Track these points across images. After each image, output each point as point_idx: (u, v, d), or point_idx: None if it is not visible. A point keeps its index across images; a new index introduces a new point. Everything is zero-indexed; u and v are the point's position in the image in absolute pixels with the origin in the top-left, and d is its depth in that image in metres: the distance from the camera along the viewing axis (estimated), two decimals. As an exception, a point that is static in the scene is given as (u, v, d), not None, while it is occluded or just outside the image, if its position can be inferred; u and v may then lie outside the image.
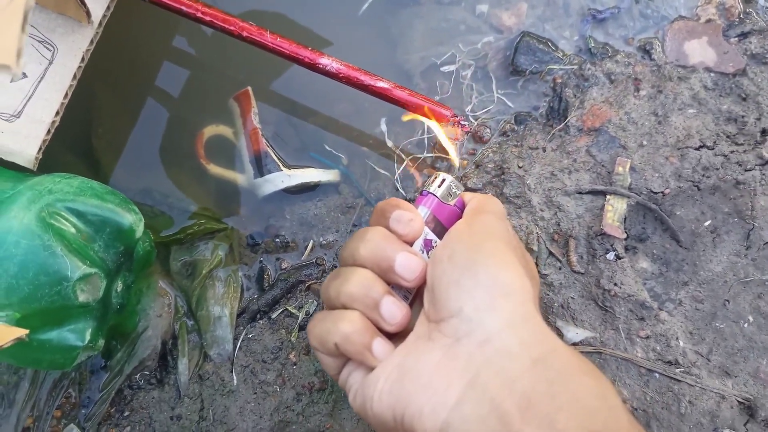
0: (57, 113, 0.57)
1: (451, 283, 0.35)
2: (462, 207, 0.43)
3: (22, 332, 0.47)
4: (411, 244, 0.40)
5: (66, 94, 0.57)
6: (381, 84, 0.57)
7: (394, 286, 0.39)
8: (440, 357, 0.33)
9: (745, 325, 0.56)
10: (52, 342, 0.51)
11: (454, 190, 0.42)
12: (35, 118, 0.56)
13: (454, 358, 0.33)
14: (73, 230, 0.51)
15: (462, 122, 0.57)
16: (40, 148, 0.56)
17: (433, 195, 0.42)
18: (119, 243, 0.54)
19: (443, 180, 0.42)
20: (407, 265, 0.37)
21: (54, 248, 0.49)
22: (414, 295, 0.41)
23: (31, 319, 0.49)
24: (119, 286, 0.56)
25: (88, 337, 0.52)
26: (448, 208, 0.42)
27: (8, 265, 0.48)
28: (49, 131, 0.56)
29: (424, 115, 0.57)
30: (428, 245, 0.41)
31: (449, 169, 0.65)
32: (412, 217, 0.39)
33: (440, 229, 0.41)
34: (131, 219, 0.54)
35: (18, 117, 0.56)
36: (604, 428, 0.29)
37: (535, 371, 0.30)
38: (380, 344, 0.37)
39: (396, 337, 0.38)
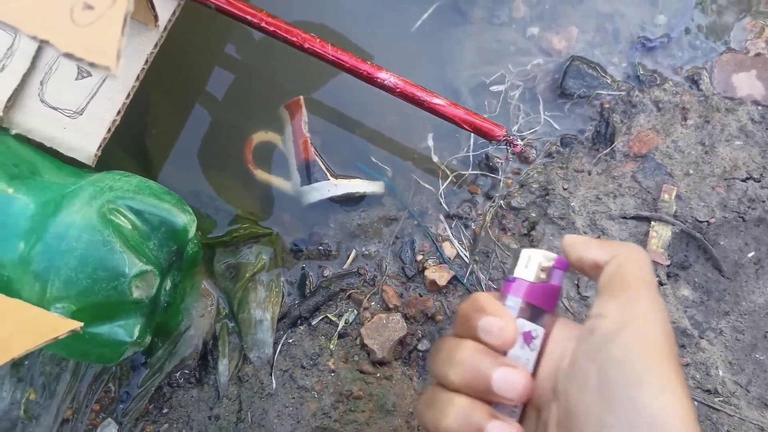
0: (119, 112, 0.58)
1: (598, 424, 0.29)
2: (561, 272, 0.36)
3: (76, 325, 0.48)
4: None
5: (128, 95, 0.59)
6: (437, 101, 0.58)
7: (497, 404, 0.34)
8: None
9: (787, 358, 0.56)
10: (103, 336, 0.52)
11: (545, 265, 0.35)
12: (97, 116, 0.58)
13: None
14: (130, 227, 0.52)
15: (515, 142, 0.58)
16: (100, 146, 0.57)
17: (522, 280, 0.35)
18: (172, 242, 0.55)
19: (529, 258, 0.35)
20: (507, 382, 0.32)
21: (113, 244, 0.50)
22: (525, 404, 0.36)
23: (85, 312, 0.50)
24: (168, 284, 0.57)
25: (136, 333, 0.53)
26: (542, 286, 0.35)
27: (69, 258, 0.49)
28: (109, 129, 0.58)
29: (478, 133, 0.58)
30: (528, 338, 0.35)
31: (489, 188, 0.66)
32: (503, 326, 0.33)
33: (538, 314, 0.35)
34: (186, 219, 0.55)
35: (81, 114, 0.58)
36: None
37: None
38: None
39: None
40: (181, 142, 0.69)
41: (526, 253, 0.35)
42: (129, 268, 0.50)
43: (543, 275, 0.35)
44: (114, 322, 0.52)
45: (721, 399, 0.55)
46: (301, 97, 0.67)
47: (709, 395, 0.55)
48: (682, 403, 0.27)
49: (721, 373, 0.56)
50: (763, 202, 0.59)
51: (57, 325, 0.47)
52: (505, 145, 0.58)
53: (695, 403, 0.55)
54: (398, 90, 0.58)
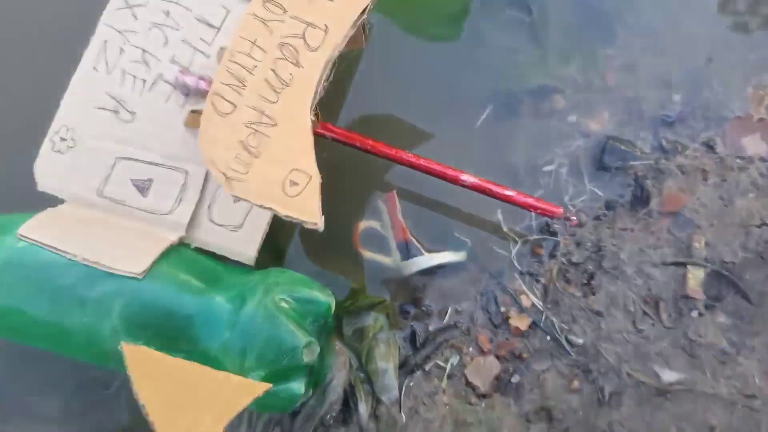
0: (268, 223, 0.79)
1: None
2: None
3: (267, 386, 0.68)
4: None
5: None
6: (507, 192, 0.76)
7: None
8: None
9: (811, 366, 0.71)
10: (282, 392, 0.71)
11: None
12: (254, 226, 0.78)
13: None
14: (293, 310, 0.71)
15: (571, 217, 0.75)
16: (258, 249, 0.78)
17: None
18: (321, 318, 0.74)
19: None
20: None
21: (286, 324, 0.69)
22: None
23: (272, 376, 0.69)
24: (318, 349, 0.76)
25: (304, 388, 0.72)
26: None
27: (258, 338, 0.68)
28: (263, 237, 0.78)
29: (542, 214, 0.76)
30: None
31: (551, 248, 0.82)
32: None
33: None
34: (328, 300, 0.74)
35: (240, 228, 0.78)
36: None
37: None
38: None
39: None
40: (303, 234, 0.89)
41: None
42: (299, 341, 0.69)
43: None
44: (290, 380, 0.71)
45: (760, 402, 0.70)
46: (395, 191, 0.87)
47: (749, 399, 0.70)
48: None
49: (758, 381, 0.71)
50: (776, 241, 0.74)
51: (255, 387, 0.66)
52: (564, 220, 0.75)
53: (738, 406, 0.70)
54: (478, 187, 0.76)
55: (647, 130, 0.85)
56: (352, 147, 0.79)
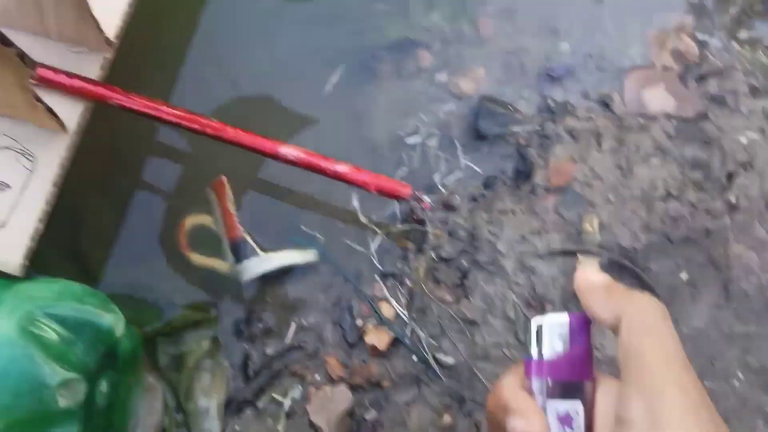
0: (40, 221, 0.59)
1: None
2: (584, 332, 0.31)
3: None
4: None
5: (47, 201, 0.60)
6: (339, 168, 0.58)
7: None
8: None
9: (735, 382, 0.55)
10: (37, 455, 0.52)
11: (560, 331, 0.31)
12: (20, 227, 0.59)
13: None
14: (53, 335, 0.53)
15: (422, 198, 0.58)
16: (26, 255, 0.58)
17: (540, 359, 0.31)
18: (100, 344, 0.56)
19: (538, 329, 0.31)
20: None
21: (34, 356, 0.50)
22: None
23: (15, 427, 0.50)
24: (104, 386, 0.57)
25: (76, 445, 0.53)
26: (565, 357, 0.30)
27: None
28: (33, 239, 0.59)
29: (385, 195, 0.59)
30: (566, 420, 0.30)
31: (421, 241, 0.66)
32: (528, 428, 0.29)
33: (573, 388, 0.30)
34: (110, 319, 0.56)
35: (3, 227, 0.59)
36: None
37: None
38: None
39: None
40: (117, 236, 0.70)
41: (535, 324, 0.31)
42: (51, 378, 0.50)
43: (563, 344, 0.30)
44: (49, 433, 0.52)
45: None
46: (224, 177, 0.68)
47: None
48: None
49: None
50: (686, 219, 0.59)
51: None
52: (416, 202, 0.58)
53: None
54: (302, 162, 0.58)
55: (531, 89, 0.69)
56: (148, 118, 0.60)
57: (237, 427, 0.61)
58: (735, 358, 0.55)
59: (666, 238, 0.59)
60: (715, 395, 0.54)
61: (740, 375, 0.54)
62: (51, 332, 0.53)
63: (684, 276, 0.57)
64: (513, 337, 0.59)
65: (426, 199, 0.58)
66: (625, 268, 0.59)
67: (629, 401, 0.25)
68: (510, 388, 0.30)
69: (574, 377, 0.29)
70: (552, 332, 0.30)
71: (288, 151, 0.58)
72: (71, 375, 0.52)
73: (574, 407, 0.29)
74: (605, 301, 0.28)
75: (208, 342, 0.65)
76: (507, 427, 0.29)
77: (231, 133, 0.58)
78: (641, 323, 0.27)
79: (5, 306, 0.53)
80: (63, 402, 0.51)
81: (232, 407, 0.62)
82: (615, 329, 0.27)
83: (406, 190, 0.58)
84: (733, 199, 0.58)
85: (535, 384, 0.30)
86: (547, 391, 0.30)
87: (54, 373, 0.50)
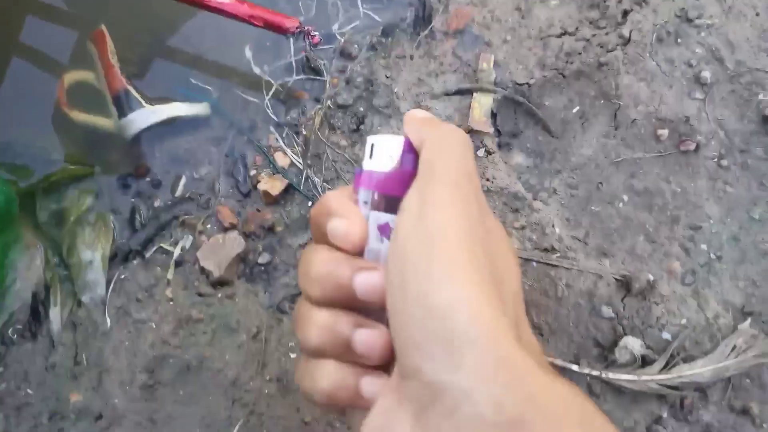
0: None
1: (402, 333, 0.28)
2: (413, 155, 0.32)
3: None
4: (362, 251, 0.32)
5: None
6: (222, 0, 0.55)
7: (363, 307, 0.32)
8: (411, 426, 0.27)
9: (620, 205, 0.55)
10: None
11: (391, 151, 0.32)
12: None
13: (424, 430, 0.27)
14: None
15: (312, 33, 0.55)
16: None
17: (371, 170, 0.32)
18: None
19: (372, 146, 0.32)
20: (368, 285, 0.30)
21: None
22: None
23: None
24: (-30, 236, 0.53)
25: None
26: (394, 173, 0.32)
27: None
28: None
29: (271, 28, 0.55)
30: (386, 230, 0.32)
31: (318, 91, 0.63)
32: (347, 229, 0.31)
33: (395, 203, 0.31)
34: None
35: None
36: None
37: None
38: (369, 383, 0.30)
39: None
40: (-13, 94, 0.64)
41: (371, 141, 0.32)
42: None
43: (393, 162, 0.31)
44: None
45: (558, 255, 0.54)
46: (104, 27, 0.64)
47: (546, 253, 0.54)
48: (473, 294, 0.25)
49: (557, 230, 0.55)
50: (579, 54, 0.58)
51: None
52: (303, 37, 0.55)
53: (533, 263, 0.54)
54: (182, -7, 0.54)
55: (433, -66, 0.66)
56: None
57: (123, 276, 0.58)
58: (621, 183, 0.55)
59: (560, 73, 0.58)
60: (600, 217, 0.55)
61: (625, 198, 0.54)
62: None
63: (576, 110, 0.57)
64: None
65: (315, 33, 0.55)
66: (519, 104, 0.58)
67: (411, 194, 0.28)
68: (336, 197, 0.31)
69: (398, 193, 0.30)
70: (385, 150, 0.31)
71: (165, -22, 0.54)
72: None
73: (394, 220, 0.30)
74: (419, 128, 0.30)
75: (90, 197, 0.62)
76: (327, 229, 0.31)
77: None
78: (440, 143, 0.30)
79: None
80: None
81: (118, 258, 0.59)
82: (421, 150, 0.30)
83: (292, 23, 0.55)
84: (626, 33, 0.57)
85: (362, 194, 0.32)
86: (372, 202, 0.31)
87: None
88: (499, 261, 0.29)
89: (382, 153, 0.32)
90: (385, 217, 0.31)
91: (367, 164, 0.32)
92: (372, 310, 0.31)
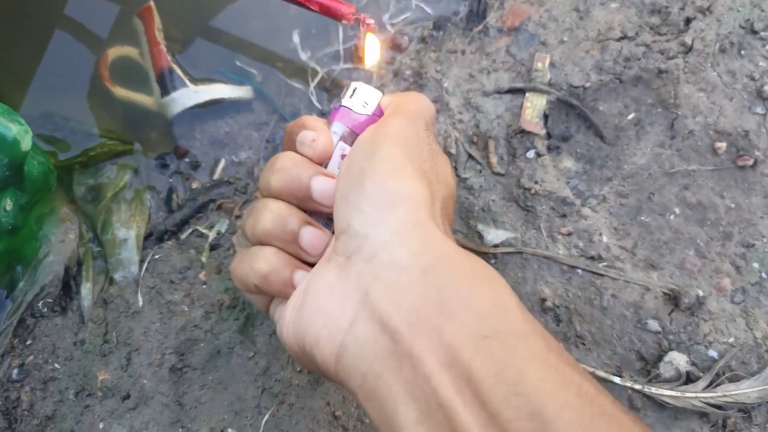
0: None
1: (341, 198, 0.32)
2: (381, 114, 0.38)
3: None
4: (325, 164, 0.37)
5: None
6: (279, -21, 0.53)
7: (313, 213, 0.36)
8: (334, 278, 0.31)
9: (671, 217, 0.54)
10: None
11: (368, 99, 0.38)
12: None
13: (345, 278, 0.31)
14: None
15: (367, 21, 0.54)
16: None
17: (346, 108, 0.37)
18: (2, 155, 0.51)
19: (354, 89, 0.38)
20: (323, 190, 0.34)
21: None
22: None
23: None
24: (8, 204, 0.53)
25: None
26: (366, 119, 0.37)
27: None
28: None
29: (327, 13, 0.54)
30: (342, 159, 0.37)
31: (369, 80, 0.62)
32: (314, 137, 0.36)
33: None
34: (15, 130, 0.51)
35: None
36: (495, 332, 0.26)
37: (424, 281, 0.28)
38: (301, 275, 0.34)
39: None
40: (31, 66, 0.64)
41: (354, 85, 0.38)
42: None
43: (367, 110, 0.37)
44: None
45: (605, 264, 0.53)
46: (152, 3, 0.63)
47: (592, 261, 0.53)
48: (413, 182, 0.32)
49: (605, 239, 0.54)
50: (639, 59, 0.56)
51: None
52: (359, 25, 0.54)
53: (578, 271, 0.53)
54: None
55: (491, -71, 0.64)
56: None
57: (157, 257, 0.57)
58: (673, 194, 0.53)
59: (617, 78, 0.56)
60: (650, 228, 0.53)
61: (677, 210, 0.53)
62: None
63: (631, 116, 0.55)
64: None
65: (370, 21, 0.54)
66: (572, 107, 0.56)
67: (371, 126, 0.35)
68: (312, 118, 0.37)
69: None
70: (364, 96, 0.37)
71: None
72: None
73: None
74: (393, 95, 0.39)
75: (129, 174, 0.61)
76: (297, 137, 0.36)
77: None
78: (403, 97, 0.38)
79: None
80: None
81: (153, 238, 0.58)
82: None
83: (349, 9, 0.53)
84: (688, 41, 0.55)
85: (335, 126, 0.37)
86: (341, 136, 0.37)
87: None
88: (439, 176, 0.35)
89: (361, 98, 0.37)
90: (349, 149, 0.36)
91: (346, 102, 0.37)
92: (319, 218, 0.36)
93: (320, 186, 0.34)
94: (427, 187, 0.32)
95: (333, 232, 0.34)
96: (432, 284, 0.28)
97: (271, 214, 0.35)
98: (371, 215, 0.31)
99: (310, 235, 0.34)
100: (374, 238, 0.30)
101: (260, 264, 0.34)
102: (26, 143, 0.52)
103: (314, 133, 0.36)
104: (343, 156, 0.36)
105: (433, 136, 0.36)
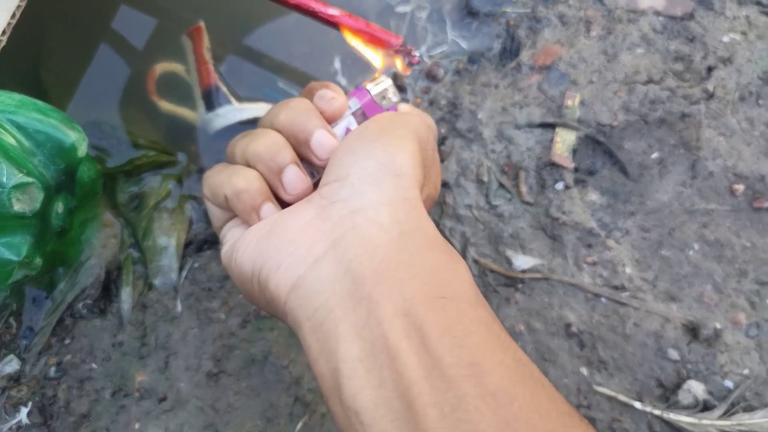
0: (3, 32, 0.56)
1: (347, 152, 0.35)
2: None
3: (-49, 237, 0.46)
4: (331, 125, 0.40)
5: (14, 14, 0.56)
6: (331, 11, 0.57)
7: (303, 160, 0.39)
8: (312, 217, 0.33)
9: (691, 252, 0.57)
10: (-15, 253, 0.49)
11: (389, 96, 0.42)
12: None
13: (324, 219, 0.33)
14: (12, 141, 0.50)
15: (413, 53, 0.57)
16: (-18, 66, 0.55)
17: (367, 91, 0.41)
18: (60, 160, 0.53)
19: (382, 82, 0.42)
20: (323, 142, 0.37)
21: (-11, 153, 0.47)
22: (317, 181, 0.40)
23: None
24: (60, 207, 0.55)
25: (24, 252, 0.50)
26: (379, 109, 0.41)
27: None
28: (-9, 51, 0.55)
29: (375, 43, 0.57)
30: (342, 130, 0.41)
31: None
32: (335, 96, 0.39)
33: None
34: (74, 136, 0.53)
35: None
36: (451, 296, 0.29)
37: (399, 242, 0.31)
38: (270, 209, 0.37)
39: None
40: (80, 74, 0.66)
41: (382, 78, 0.42)
42: (8, 177, 0.47)
43: (384, 103, 0.41)
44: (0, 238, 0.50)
45: (628, 294, 0.55)
46: (202, 23, 0.66)
47: (616, 291, 0.55)
48: (416, 165, 0.35)
49: (628, 270, 0.56)
50: (664, 103, 0.60)
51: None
52: (404, 56, 0.57)
53: (602, 299, 0.55)
54: (291, 1, 0.56)
55: (526, -27, 0.68)
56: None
57: (196, 264, 0.59)
58: (693, 231, 0.56)
59: (643, 119, 0.60)
60: (670, 262, 0.56)
61: (696, 246, 0.56)
62: (10, 137, 0.50)
63: (655, 155, 0.58)
64: (484, 200, 0.59)
65: (416, 53, 0.57)
66: (599, 144, 0.60)
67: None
68: (335, 85, 0.41)
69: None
70: (388, 93, 0.42)
71: (279, -15, 0.56)
72: (28, 179, 0.49)
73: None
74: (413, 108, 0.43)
75: (171, 184, 0.63)
76: (316, 93, 0.39)
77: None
78: (412, 109, 0.42)
79: (-38, 102, 0.50)
80: (18, 205, 0.49)
81: (192, 247, 0.60)
82: None
83: (397, 41, 0.57)
84: (710, 88, 0.59)
85: (352, 101, 0.41)
86: (354, 111, 0.41)
87: (11, 173, 0.48)
88: (431, 177, 0.39)
89: (384, 92, 0.41)
90: (355, 125, 0.40)
91: (370, 87, 0.41)
92: (306, 166, 0.38)
93: (321, 137, 0.37)
94: (423, 176, 0.36)
95: (313, 184, 0.38)
96: (405, 247, 0.31)
97: (268, 141, 0.37)
98: (372, 176, 0.33)
99: (294, 175, 0.36)
100: (366, 196, 0.32)
101: (239, 180, 0.36)
102: (82, 150, 0.54)
103: (335, 93, 0.39)
104: (347, 130, 0.40)
105: (435, 146, 0.41)
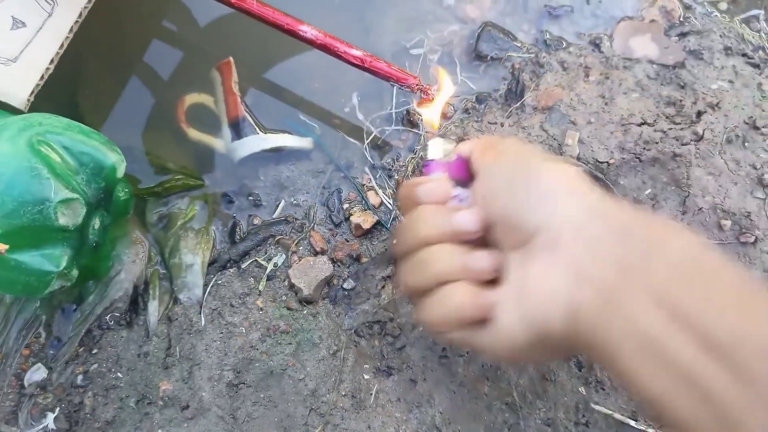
0: (52, 61, 0.61)
1: (518, 208, 0.35)
2: (461, 158, 0.42)
3: (1, 247, 0.50)
4: None
5: (62, 45, 0.61)
6: (354, 52, 0.62)
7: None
8: (544, 266, 0.34)
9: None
10: (29, 264, 0.53)
11: (447, 146, 0.44)
12: (31, 64, 0.60)
13: (556, 261, 0.33)
14: (59, 160, 0.54)
15: (429, 91, 0.62)
16: (33, 92, 0.60)
17: (437, 161, 0.43)
18: (101, 179, 0.57)
19: (435, 144, 0.44)
20: (465, 220, 0.38)
21: (40, 171, 0.52)
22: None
23: (12, 236, 0.51)
24: (96, 223, 0.59)
25: (63, 263, 0.54)
26: (453, 164, 0.42)
27: (-4, 181, 0.50)
28: (42, 77, 0.60)
29: (394, 80, 0.63)
30: (458, 200, 0.41)
31: (411, 142, 0.70)
32: (437, 185, 0.41)
33: (458, 183, 0.42)
34: (114, 158, 0.58)
35: (15, 62, 0.60)
36: (694, 271, 0.30)
37: (626, 247, 0.31)
38: (489, 294, 0.36)
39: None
40: (114, 102, 0.71)
41: (429, 143, 0.45)
42: (55, 193, 0.52)
43: (449, 157, 0.43)
44: (40, 249, 0.53)
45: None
46: (231, 59, 0.71)
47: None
48: (569, 168, 0.36)
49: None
50: (657, 143, 0.65)
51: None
52: (420, 93, 0.63)
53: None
54: (318, 42, 0.62)
55: (530, 23, 0.74)
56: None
57: (219, 282, 0.63)
58: (686, 262, 0.61)
59: (637, 158, 0.65)
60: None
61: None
62: (57, 156, 0.54)
63: (648, 191, 0.63)
64: (490, 228, 0.64)
65: (432, 91, 0.62)
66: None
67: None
68: (417, 178, 0.43)
69: (460, 175, 0.41)
70: (438, 148, 0.44)
71: (307, 29, 0.61)
72: (73, 195, 0.53)
73: (462, 192, 0.41)
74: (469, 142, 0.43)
75: (198, 206, 0.67)
76: (418, 191, 0.41)
77: (256, 5, 0.61)
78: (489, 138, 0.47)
79: (16, 125, 0.54)
80: (63, 219, 0.53)
81: (216, 265, 0.64)
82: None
83: (415, 80, 0.62)
84: (700, 131, 0.64)
85: (435, 176, 0.43)
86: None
87: (57, 189, 0.52)
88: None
89: (437, 150, 0.43)
90: (455, 191, 0.41)
91: (434, 156, 0.43)
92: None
93: (461, 219, 0.38)
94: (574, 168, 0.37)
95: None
96: (635, 247, 0.31)
97: (440, 253, 0.38)
98: (559, 211, 0.33)
99: (478, 258, 0.37)
100: (572, 225, 0.33)
101: (456, 299, 0.37)
102: (121, 171, 0.59)
103: (435, 182, 0.41)
104: (454, 197, 0.41)
105: (504, 141, 0.42)
